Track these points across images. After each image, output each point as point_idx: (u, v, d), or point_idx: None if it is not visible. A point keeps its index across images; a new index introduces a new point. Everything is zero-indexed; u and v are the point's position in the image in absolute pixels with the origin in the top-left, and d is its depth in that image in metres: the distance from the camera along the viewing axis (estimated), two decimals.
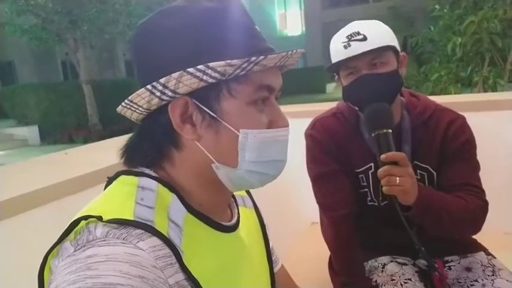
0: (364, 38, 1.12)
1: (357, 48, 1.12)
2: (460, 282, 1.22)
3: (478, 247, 1.30)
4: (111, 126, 13.42)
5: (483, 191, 1.20)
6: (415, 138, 1.23)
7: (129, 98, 0.59)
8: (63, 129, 12.94)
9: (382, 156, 1.04)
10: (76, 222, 0.52)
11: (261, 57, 0.56)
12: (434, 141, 1.22)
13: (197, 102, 0.58)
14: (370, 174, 1.28)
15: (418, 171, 1.24)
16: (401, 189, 1.02)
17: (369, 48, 1.11)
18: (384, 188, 1.04)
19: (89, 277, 0.46)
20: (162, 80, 0.56)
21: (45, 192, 1.18)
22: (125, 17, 13.18)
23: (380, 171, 1.04)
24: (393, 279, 1.22)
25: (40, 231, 1.10)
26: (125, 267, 0.47)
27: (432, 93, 5.50)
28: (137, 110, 0.60)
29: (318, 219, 1.41)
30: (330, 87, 20.16)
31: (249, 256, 0.70)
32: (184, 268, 0.53)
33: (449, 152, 1.21)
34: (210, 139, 0.59)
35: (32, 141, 12.97)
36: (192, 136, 0.59)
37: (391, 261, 1.29)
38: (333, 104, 1.42)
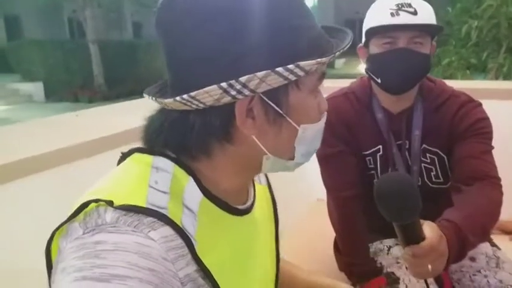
0: (415, 12, 1.10)
1: (407, 19, 1.09)
2: (462, 271, 1.23)
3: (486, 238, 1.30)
4: (116, 87, 13.39)
5: (499, 179, 1.15)
6: (427, 122, 1.22)
7: (192, 94, 0.50)
8: (69, 87, 12.89)
9: (408, 253, 0.82)
10: (86, 204, 0.50)
11: (340, 49, 0.55)
12: (444, 123, 1.21)
13: (265, 98, 0.53)
14: (378, 156, 1.27)
15: (428, 155, 1.24)
16: (435, 273, 0.87)
17: (421, 22, 1.09)
18: (414, 275, 0.90)
19: (97, 266, 0.45)
20: (242, 79, 0.49)
21: (56, 154, 1.18)
22: None
23: (408, 263, 0.85)
24: (398, 262, 1.23)
25: (50, 194, 1.12)
26: (134, 259, 0.46)
27: (442, 78, 5.41)
28: (194, 106, 0.52)
29: (323, 195, 1.42)
30: (339, 63, 19.89)
31: (261, 236, 0.69)
32: (196, 259, 0.52)
33: (458, 131, 1.19)
34: (270, 134, 0.56)
35: (37, 97, 12.95)
36: (252, 131, 0.54)
37: (397, 244, 1.30)
38: (346, 82, 1.39)
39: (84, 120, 1.62)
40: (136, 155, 0.58)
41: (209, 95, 0.50)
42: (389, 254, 1.28)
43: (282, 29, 0.52)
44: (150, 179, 0.54)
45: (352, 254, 1.32)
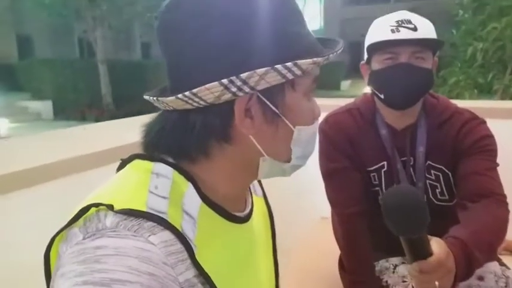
0: (415, 28, 1.11)
1: (408, 35, 1.11)
2: None
3: (493, 257, 1.28)
4: (123, 106, 13.53)
5: (505, 196, 1.14)
6: (430, 139, 1.22)
7: (194, 91, 0.52)
8: (77, 106, 13.04)
9: (416, 269, 0.81)
10: (86, 209, 0.50)
11: (335, 52, 0.57)
12: (447, 140, 1.21)
13: (263, 97, 0.55)
14: (382, 173, 1.27)
15: (433, 171, 1.24)
16: None
17: (421, 37, 1.11)
18: None
19: (97, 271, 0.45)
20: (243, 76, 0.51)
21: (64, 164, 1.20)
22: None
23: (415, 279, 0.84)
24: (404, 281, 1.22)
25: (57, 203, 1.12)
26: (135, 263, 0.46)
27: (448, 98, 5.43)
28: (195, 104, 0.53)
29: (327, 213, 1.41)
30: (345, 84, 20.00)
31: (259, 247, 0.69)
32: (196, 264, 0.52)
33: (463, 148, 1.19)
34: (267, 134, 0.57)
35: (45, 115, 13.10)
36: (250, 131, 0.56)
37: (403, 263, 1.29)
38: (349, 100, 1.40)
39: (91, 134, 1.65)
40: (136, 162, 0.58)
41: (210, 91, 0.52)
42: (396, 272, 1.27)
43: (282, 33, 0.55)
44: (150, 184, 0.54)
45: (357, 271, 1.30)
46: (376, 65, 1.18)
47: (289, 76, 0.54)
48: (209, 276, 0.53)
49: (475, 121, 1.22)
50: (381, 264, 1.32)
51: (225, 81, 0.51)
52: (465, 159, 1.18)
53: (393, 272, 1.27)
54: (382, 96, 1.20)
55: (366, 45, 1.21)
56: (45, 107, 13.19)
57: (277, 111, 0.56)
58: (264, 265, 0.71)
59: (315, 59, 0.54)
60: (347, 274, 1.35)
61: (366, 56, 1.23)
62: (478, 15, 5.78)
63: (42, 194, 1.13)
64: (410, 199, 0.76)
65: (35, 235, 0.89)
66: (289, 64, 0.53)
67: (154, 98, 0.57)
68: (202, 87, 0.51)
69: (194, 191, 0.57)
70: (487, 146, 1.18)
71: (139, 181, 0.55)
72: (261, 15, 0.53)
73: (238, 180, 0.62)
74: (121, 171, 0.59)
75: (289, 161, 0.61)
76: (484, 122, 1.23)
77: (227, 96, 0.52)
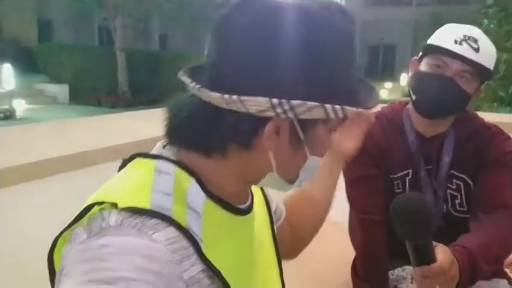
0: (477, 50, 1.10)
1: (467, 52, 1.10)
2: None
3: (502, 275, 1.26)
4: (139, 95, 13.64)
5: None
6: (457, 150, 1.22)
7: (242, 98, 0.52)
8: (93, 92, 13.16)
9: (418, 273, 0.84)
10: (89, 208, 0.51)
11: (373, 106, 0.61)
12: (473, 153, 1.21)
13: (297, 125, 0.56)
14: (407, 180, 1.25)
15: (454, 180, 1.23)
16: None
17: (475, 60, 1.09)
18: None
19: (102, 269, 0.45)
20: (293, 103, 0.52)
21: (85, 156, 1.20)
22: None
23: (418, 283, 0.88)
24: None
25: (77, 192, 1.13)
26: (139, 261, 0.46)
27: None
28: (234, 107, 0.53)
29: (339, 217, 1.39)
30: None
31: (261, 235, 0.71)
32: (203, 259, 0.52)
33: (485, 162, 1.19)
34: (285, 155, 0.58)
35: (61, 99, 13.26)
36: (272, 148, 0.56)
37: None
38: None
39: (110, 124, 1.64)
40: (137, 160, 0.59)
41: (257, 104, 0.52)
42: (414, 283, 1.24)
43: (340, 73, 0.56)
44: (153, 181, 0.54)
45: (372, 278, 1.28)
46: (423, 66, 1.18)
47: (332, 116, 0.55)
48: (218, 270, 0.53)
49: (501, 136, 1.22)
50: (397, 273, 1.30)
51: (275, 101, 0.52)
52: (486, 173, 1.18)
53: (411, 283, 1.25)
54: (413, 98, 1.20)
55: (426, 42, 1.20)
56: (61, 90, 13.35)
57: (303, 139, 0.57)
58: (268, 251, 0.73)
59: (360, 109, 0.56)
60: (360, 280, 1.33)
61: (420, 53, 1.22)
62: (503, 26, 5.69)
63: (66, 183, 1.13)
64: (418, 206, 0.80)
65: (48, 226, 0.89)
66: (337, 107, 0.54)
67: (196, 86, 0.55)
68: (253, 98, 0.52)
69: (197, 186, 0.57)
70: (509, 162, 1.18)
71: (142, 179, 0.55)
72: (329, 50, 0.54)
73: (244, 181, 0.63)
74: (123, 170, 0.59)
75: (293, 182, 0.64)
76: (509, 138, 1.23)
77: (269, 113, 0.53)
